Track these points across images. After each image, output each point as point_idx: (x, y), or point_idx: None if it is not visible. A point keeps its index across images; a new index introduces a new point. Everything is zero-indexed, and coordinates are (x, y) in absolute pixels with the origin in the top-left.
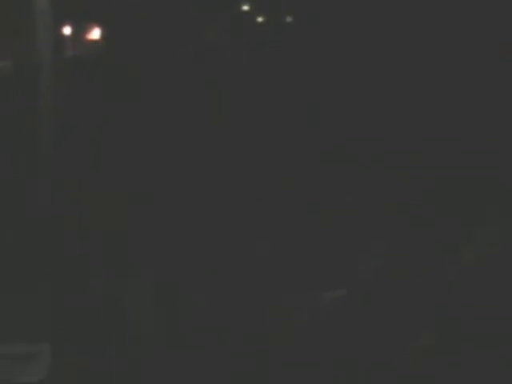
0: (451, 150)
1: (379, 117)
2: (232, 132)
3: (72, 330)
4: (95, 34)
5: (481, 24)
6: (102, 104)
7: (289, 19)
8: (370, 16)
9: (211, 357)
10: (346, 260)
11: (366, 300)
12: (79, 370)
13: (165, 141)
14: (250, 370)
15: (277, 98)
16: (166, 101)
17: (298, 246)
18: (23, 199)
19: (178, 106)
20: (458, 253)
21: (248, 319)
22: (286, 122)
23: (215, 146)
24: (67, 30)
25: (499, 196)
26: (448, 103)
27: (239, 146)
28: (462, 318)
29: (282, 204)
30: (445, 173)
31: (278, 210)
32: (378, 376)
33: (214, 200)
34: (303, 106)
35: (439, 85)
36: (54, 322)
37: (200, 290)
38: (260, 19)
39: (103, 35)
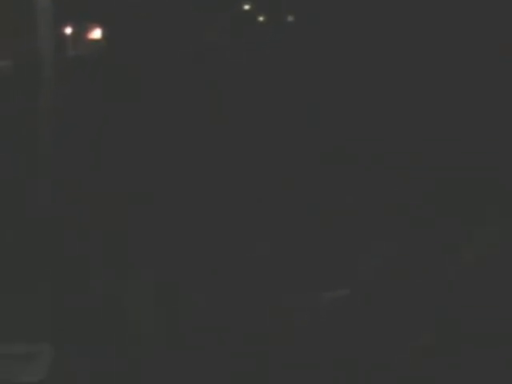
0: (451, 150)
1: (379, 117)
2: (232, 132)
3: (72, 330)
4: (96, 33)
5: (481, 24)
6: (102, 104)
7: (290, 18)
8: (370, 16)
9: (211, 357)
10: (346, 260)
11: (366, 300)
12: (79, 369)
13: (165, 141)
14: (249, 370)
15: (277, 97)
16: (166, 101)
17: (298, 246)
18: (23, 199)
19: (178, 105)
20: (458, 253)
21: (248, 319)
22: (286, 122)
23: (215, 145)
24: (68, 30)
25: (499, 196)
26: (448, 103)
27: (239, 146)
28: (461, 318)
29: (282, 204)
30: (445, 173)
31: (277, 209)
32: (378, 376)
33: (213, 200)
34: (303, 106)
35: (439, 85)
36: (54, 322)
37: (200, 289)
38: (261, 18)
39: (104, 35)
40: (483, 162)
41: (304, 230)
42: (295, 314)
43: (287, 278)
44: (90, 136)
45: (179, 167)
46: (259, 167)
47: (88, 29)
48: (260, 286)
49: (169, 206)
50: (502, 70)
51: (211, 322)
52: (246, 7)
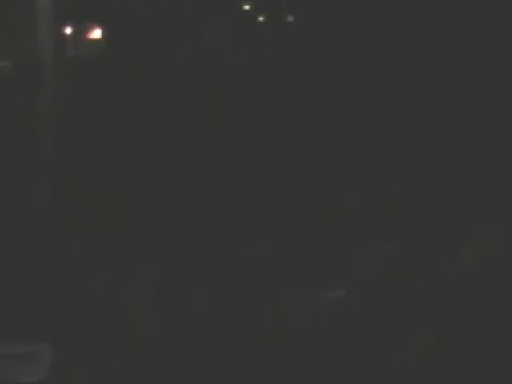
0: (451, 150)
1: (379, 117)
2: (232, 132)
3: (72, 330)
4: (96, 33)
5: (481, 24)
6: (102, 104)
7: (290, 18)
8: (370, 16)
9: (211, 357)
10: (346, 260)
11: (365, 300)
12: (79, 370)
13: (165, 141)
14: (249, 369)
15: (277, 97)
16: (165, 101)
17: (298, 246)
18: (23, 199)
19: (178, 105)
20: (458, 253)
21: (248, 319)
22: (286, 122)
23: (215, 145)
24: (68, 30)
25: (499, 196)
26: (448, 103)
27: (239, 146)
28: (461, 318)
29: (282, 204)
30: (445, 173)
31: (277, 210)
32: (378, 376)
33: (213, 200)
34: (303, 106)
35: (439, 85)
36: (54, 322)
37: (200, 289)
38: (261, 18)
39: (104, 35)
40: (483, 162)
41: (304, 230)
42: (295, 313)
43: (287, 278)
44: (89, 136)
45: (179, 167)
46: (259, 167)
47: (88, 29)
48: (260, 285)
49: (169, 206)
50: (502, 70)
51: (211, 321)
52: (246, 7)
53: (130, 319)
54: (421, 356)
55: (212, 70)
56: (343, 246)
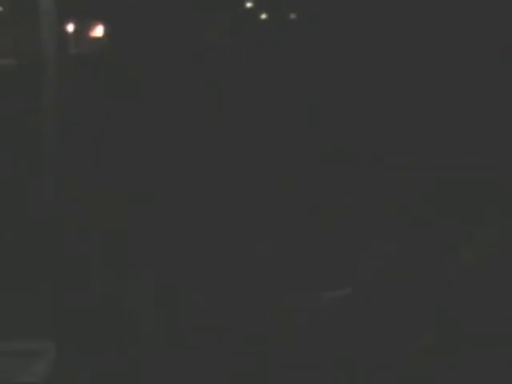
0: (451, 150)
1: (379, 117)
2: (232, 132)
3: (72, 330)
4: (98, 31)
5: (481, 24)
6: (104, 102)
7: (292, 16)
8: (370, 17)
9: (211, 357)
10: (346, 260)
11: (365, 300)
12: (79, 369)
13: (165, 140)
14: (249, 369)
15: (277, 97)
16: (166, 100)
17: (298, 246)
18: (24, 199)
19: (179, 105)
20: (458, 253)
21: (248, 319)
22: (286, 122)
23: (215, 145)
24: (70, 28)
25: (499, 196)
26: (448, 103)
27: (239, 145)
28: (461, 318)
29: (282, 204)
30: (445, 173)
31: (278, 210)
32: (378, 376)
33: (213, 200)
34: (303, 106)
35: (439, 85)
36: (54, 322)
37: (200, 289)
38: (263, 16)
39: (106, 33)
40: (483, 162)
41: (304, 230)
42: (295, 313)
43: (287, 278)
44: (92, 134)
45: (179, 167)
46: (259, 167)
47: (90, 26)
48: (260, 285)
49: (169, 207)
50: (502, 70)
51: (211, 321)
52: (249, 5)
53: (130, 319)
54: (421, 356)
55: (212, 70)
56: (343, 246)
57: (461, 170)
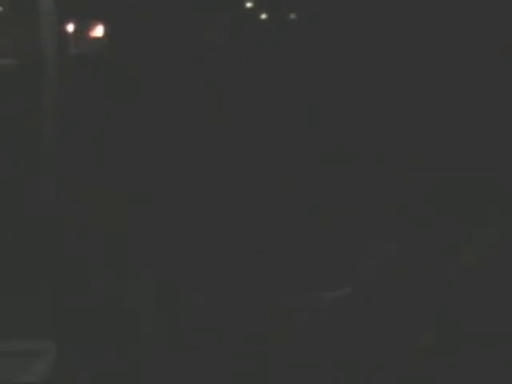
0: (451, 150)
1: (379, 117)
2: (232, 132)
3: (72, 330)
4: (98, 31)
5: (481, 24)
6: (104, 103)
7: (292, 16)
8: (371, 17)
9: (211, 357)
10: (346, 260)
11: (365, 300)
12: (79, 369)
13: (165, 140)
14: (250, 369)
15: (277, 97)
16: (166, 100)
17: (298, 246)
18: (24, 199)
19: (179, 105)
20: (458, 253)
21: (248, 319)
22: (286, 122)
23: (215, 145)
24: (70, 28)
25: (499, 196)
26: (448, 103)
27: (239, 145)
28: (461, 318)
29: (282, 204)
30: (445, 173)
31: (277, 210)
32: (378, 376)
33: (213, 200)
34: (303, 106)
35: (439, 85)
36: (54, 322)
37: (200, 289)
38: (263, 16)
39: (105, 35)
40: (483, 162)
41: (304, 230)
42: (295, 313)
43: (287, 278)
44: (92, 134)
45: (179, 167)
46: (259, 167)
47: (90, 27)
48: (260, 285)
49: (169, 206)
50: (502, 70)
51: (211, 321)
52: (249, 5)
53: (130, 319)
54: (421, 356)
55: (212, 70)
56: (343, 246)
57: (461, 170)
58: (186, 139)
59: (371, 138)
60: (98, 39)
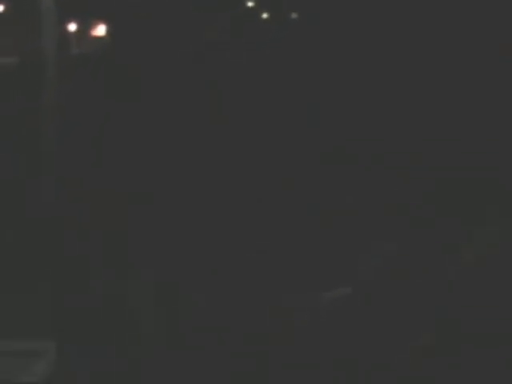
0: (451, 150)
1: (379, 117)
2: (232, 132)
3: (72, 330)
4: (100, 30)
5: (481, 24)
6: (104, 103)
7: (293, 15)
8: (371, 17)
9: (211, 357)
10: (346, 260)
11: (365, 300)
12: (79, 369)
13: (165, 140)
14: (250, 369)
15: (277, 97)
16: (166, 100)
17: (298, 247)
18: (24, 199)
19: (179, 105)
20: (458, 253)
21: (248, 319)
22: (286, 122)
23: (215, 145)
24: (72, 27)
25: (499, 196)
26: (448, 103)
27: (239, 145)
28: (461, 318)
29: (282, 204)
30: (445, 173)
31: (278, 210)
32: (378, 376)
33: (213, 200)
34: (303, 106)
35: (439, 85)
36: (55, 322)
37: (200, 289)
38: (264, 15)
39: (107, 34)
40: (483, 162)
41: (304, 230)
42: (295, 313)
43: (287, 278)
44: (92, 134)
45: (179, 167)
46: (259, 167)
47: (92, 26)
48: (260, 285)
49: (169, 207)
50: (502, 70)
51: (211, 321)
52: (250, 4)
53: (130, 319)
54: (421, 356)
55: (212, 69)
56: (343, 246)
57: (461, 169)
58: (186, 139)
59: (371, 137)
60: (100, 38)
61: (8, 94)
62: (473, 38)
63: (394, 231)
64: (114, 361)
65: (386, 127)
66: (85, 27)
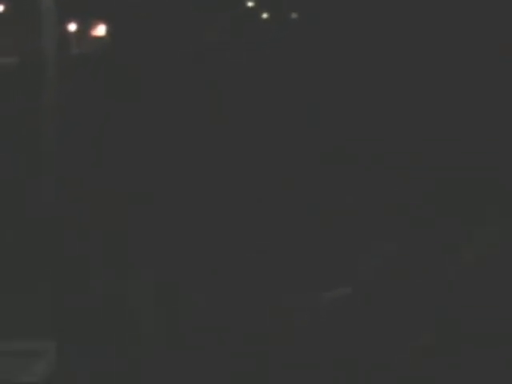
0: (451, 150)
1: (379, 117)
2: (232, 132)
3: (72, 330)
4: (100, 30)
5: (481, 24)
6: (104, 103)
7: (293, 15)
8: (372, 17)
9: (211, 357)
10: (346, 260)
11: (365, 300)
12: (79, 369)
13: (165, 140)
14: (250, 369)
15: (277, 97)
16: (166, 100)
17: (299, 247)
18: (24, 199)
19: (179, 105)
20: (458, 253)
21: (248, 319)
22: (286, 122)
23: (215, 145)
24: (72, 27)
25: (499, 196)
26: (448, 103)
27: (239, 145)
28: (461, 318)
29: (282, 204)
30: (445, 173)
31: (278, 210)
32: (378, 376)
33: (213, 200)
34: (303, 106)
35: (439, 85)
36: (55, 322)
37: (200, 289)
38: (264, 15)
39: (107, 34)
40: (483, 162)
41: (304, 230)
42: (295, 313)
43: (287, 278)
44: (92, 134)
45: (179, 167)
46: (259, 167)
47: (92, 26)
48: (260, 285)
49: (168, 207)
50: (502, 70)
51: (211, 321)
52: (250, 4)
53: (130, 319)
54: (421, 356)
55: (212, 69)
56: (343, 246)
57: (461, 169)
58: (186, 139)
59: (371, 137)
60: (100, 38)
61: (8, 94)
62: (473, 37)
63: (394, 231)
64: (114, 361)
65: (385, 127)
66: (85, 27)
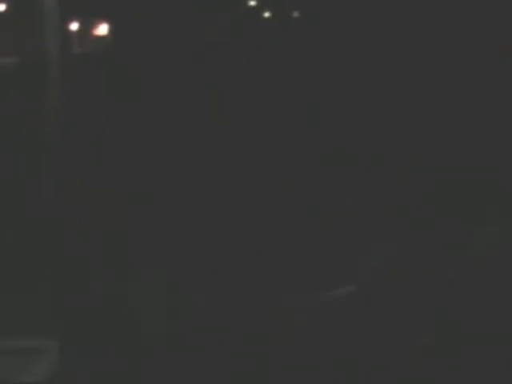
0: (451, 150)
1: (379, 117)
2: (232, 132)
3: (72, 330)
4: (102, 30)
5: (481, 24)
6: (105, 103)
7: (295, 15)
8: (373, 16)
9: (211, 357)
10: (346, 260)
11: (365, 300)
12: (80, 369)
13: (165, 140)
14: (250, 369)
15: (277, 97)
16: (167, 100)
17: (299, 246)
18: (24, 199)
19: (179, 105)
20: (458, 253)
21: (248, 319)
22: (286, 122)
23: (215, 145)
24: (74, 26)
25: (499, 196)
26: (448, 103)
27: (239, 145)
28: (461, 318)
29: (282, 204)
30: (445, 173)
31: (278, 210)
32: (378, 376)
33: (214, 200)
34: (303, 106)
35: (439, 85)
36: (55, 322)
37: (200, 289)
38: (266, 14)
39: (109, 33)
40: (483, 162)
41: (304, 230)
42: (295, 313)
43: (287, 278)
44: (92, 134)
45: (179, 167)
46: (259, 167)
47: (94, 25)
48: (260, 285)
49: (169, 206)
50: (502, 70)
51: (211, 321)
52: (252, 3)
53: (130, 319)
54: (421, 356)
55: (212, 69)
56: (343, 246)
57: (461, 169)
58: (186, 139)
59: (371, 137)
60: (102, 38)
61: (8, 94)
62: (473, 37)
63: (394, 231)
64: (114, 361)
65: (385, 127)
66: (87, 26)
